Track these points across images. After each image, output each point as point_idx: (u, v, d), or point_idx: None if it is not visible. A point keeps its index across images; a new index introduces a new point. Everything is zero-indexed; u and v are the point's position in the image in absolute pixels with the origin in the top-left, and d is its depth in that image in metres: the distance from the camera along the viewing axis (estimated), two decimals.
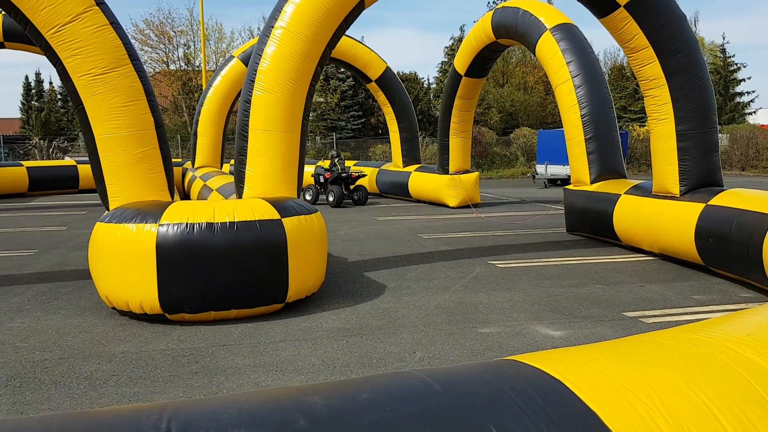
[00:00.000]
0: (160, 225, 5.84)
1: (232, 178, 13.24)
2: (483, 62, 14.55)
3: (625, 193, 9.59)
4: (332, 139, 35.92)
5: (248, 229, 5.99)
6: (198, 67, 38.05)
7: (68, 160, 22.58)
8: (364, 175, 17.66)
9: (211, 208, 6.06)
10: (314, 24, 7.20)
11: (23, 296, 7.06)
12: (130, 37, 7.18)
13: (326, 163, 17.53)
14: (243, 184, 7.47)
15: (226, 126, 17.23)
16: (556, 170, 22.76)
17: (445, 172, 15.87)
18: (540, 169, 23.33)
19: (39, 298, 7.00)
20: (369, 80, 17.35)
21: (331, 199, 16.40)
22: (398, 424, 1.40)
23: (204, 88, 25.24)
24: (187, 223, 5.85)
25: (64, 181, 20.43)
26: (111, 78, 6.60)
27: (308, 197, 16.88)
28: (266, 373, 4.73)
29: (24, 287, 7.50)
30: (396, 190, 18.06)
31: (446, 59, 39.40)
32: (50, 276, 8.17)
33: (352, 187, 17.01)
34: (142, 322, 6.03)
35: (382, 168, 19.06)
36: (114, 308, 6.20)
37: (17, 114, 65.46)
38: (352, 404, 1.48)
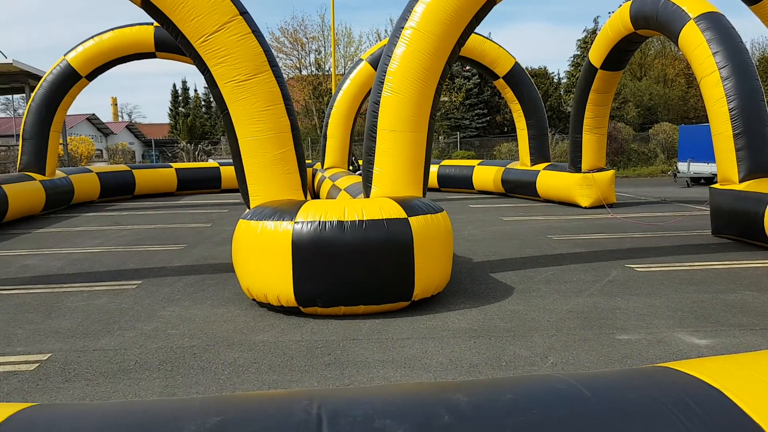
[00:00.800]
0: (295, 222, 6.12)
1: (359, 179, 13.60)
2: (620, 54, 13.86)
3: None
4: (456, 138, 35.82)
5: (376, 227, 6.11)
6: (328, 71, 39.46)
7: (212, 162, 24.22)
8: None
9: (341, 207, 6.25)
10: (444, 22, 7.21)
11: (174, 287, 7.67)
12: None
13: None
14: (371, 183, 7.63)
15: (354, 128, 17.70)
16: (700, 168, 21.19)
17: (577, 170, 15.28)
18: (682, 166, 21.83)
19: (188, 289, 7.57)
20: (496, 77, 17.11)
21: None
22: (545, 427, 1.37)
23: (333, 91, 26.03)
24: (319, 221, 6.08)
25: (208, 182, 21.92)
26: (253, 84, 7.00)
27: None
28: (395, 368, 4.81)
29: (174, 279, 8.14)
30: (522, 189, 17.66)
31: (579, 52, 37.96)
32: (197, 269, 8.80)
33: None
34: (278, 314, 6.34)
35: (508, 167, 18.72)
36: (254, 300, 6.58)
37: (166, 119, 71.21)
38: (496, 404, 1.47)
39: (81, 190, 17.27)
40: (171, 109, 67.22)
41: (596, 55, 14.12)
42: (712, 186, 10.70)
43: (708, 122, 10.58)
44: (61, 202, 16.08)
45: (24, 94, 20.00)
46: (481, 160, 21.55)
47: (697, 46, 10.58)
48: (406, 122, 7.41)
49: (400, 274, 6.17)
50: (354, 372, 4.74)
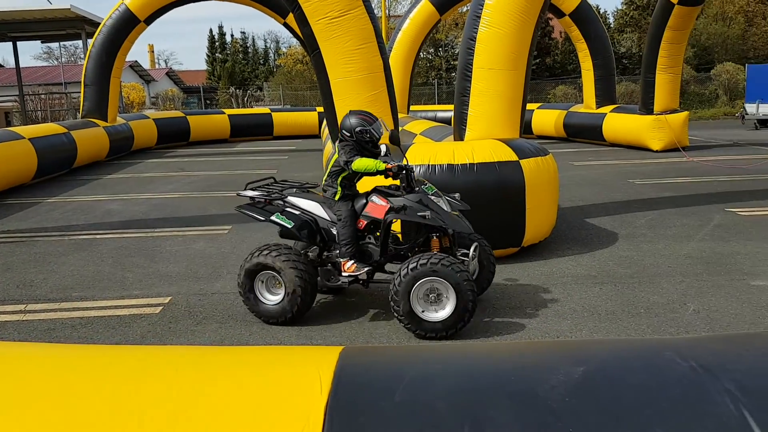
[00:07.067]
0: None
1: (433, 123, 13.26)
2: None
3: None
4: None
5: (488, 170, 5.88)
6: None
7: (264, 108, 24.01)
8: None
9: (450, 150, 6.02)
10: None
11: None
12: None
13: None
14: (465, 125, 7.33)
15: (413, 70, 17.23)
16: None
17: (649, 112, 14.65)
18: (750, 108, 20.81)
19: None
20: (562, 14, 16.35)
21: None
22: None
23: (384, 33, 25.30)
24: (429, 165, 5.86)
25: (260, 128, 21.69)
26: (346, 21, 6.69)
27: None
28: (527, 316, 4.64)
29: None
30: (587, 133, 17.08)
31: None
32: None
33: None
34: None
35: (570, 110, 18.10)
36: None
37: (203, 66, 70.63)
38: None
39: (140, 136, 17.31)
40: (208, 56, 66.70)
41: None
42: None
43: None
44: (122, 149, 16.16)
45: (80, 41, 19.90)
46: (540, 104, 20.89)
47: None
48: (504, 59, 7.04)
49: (511, 219, 5.96)
50: (482, 317, 4.60)
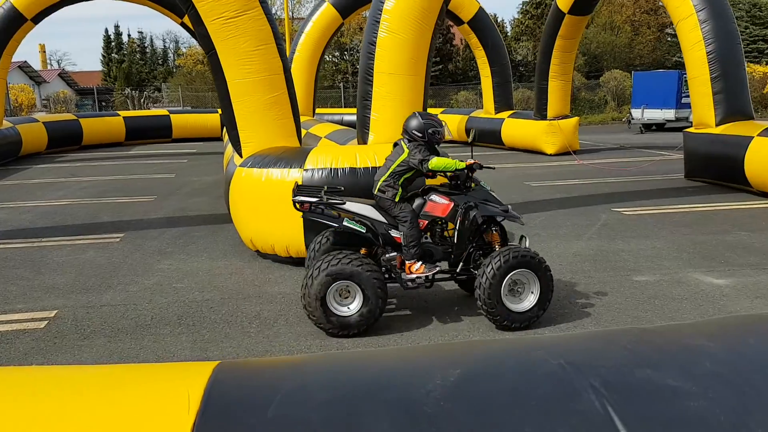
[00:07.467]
0: (305, 170, 5.86)
1: (338, 127, 13.21)
2: None
3: (758, 136, 8.98)
4: None
5: None
6: (276, 14, 37.98)
7: (161, 110, 23.12)
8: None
9: (353, 153, 6.03)
10: None
11: (161, 240, 7.31)
12: None
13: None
14: (368, 129, 7.36)
15: (318, 73, 17.14)
16: (653, 114, 21.65)
17: (543, 117, 15.33)
18: (636, 113, 22.24)
19: (177, 241, 7.23)
20: (461, 22, 16.81)
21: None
22: None
23: (287, 36, 25.16)
24: (331, 168, 5.85)
25: (158, 131, 20.86)
26: (242, 21, 6.56)
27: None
28: (424, 316, 4.72)
29: (158, 231, 7.76)
30: (487, 137, 17.61)
31: None
32: (177, 221, 8.42)
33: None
34: (287, 265, 6.12)
35: (471, 115, 18.63)
36: (257, 251, 6.33)
37: (98, 66, 67.19)
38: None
39: (28, 141, 16.19)
40: (104, 56, 63.60)
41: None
42: (686, 130, 10.91)
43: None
44: (9, 154, 15.08)
45: None
46: (443, 109, 21.36)
47: None
48: (404, 65, 7.14)
49: None
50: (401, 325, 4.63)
